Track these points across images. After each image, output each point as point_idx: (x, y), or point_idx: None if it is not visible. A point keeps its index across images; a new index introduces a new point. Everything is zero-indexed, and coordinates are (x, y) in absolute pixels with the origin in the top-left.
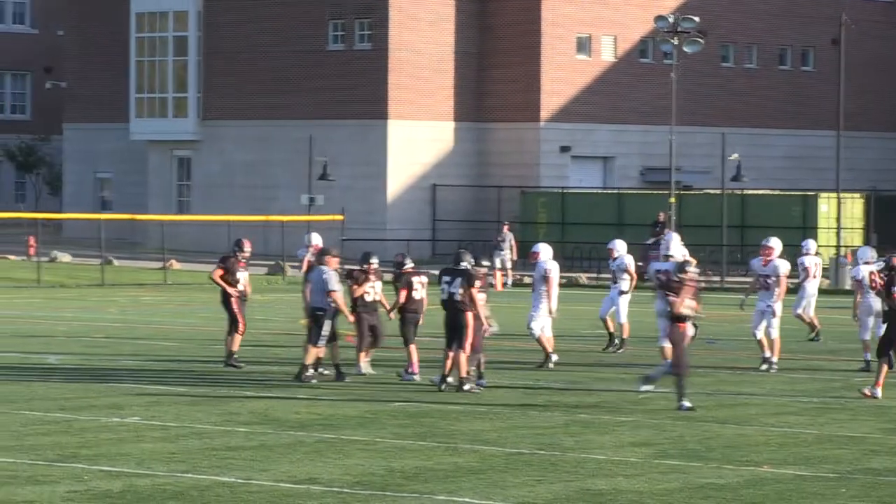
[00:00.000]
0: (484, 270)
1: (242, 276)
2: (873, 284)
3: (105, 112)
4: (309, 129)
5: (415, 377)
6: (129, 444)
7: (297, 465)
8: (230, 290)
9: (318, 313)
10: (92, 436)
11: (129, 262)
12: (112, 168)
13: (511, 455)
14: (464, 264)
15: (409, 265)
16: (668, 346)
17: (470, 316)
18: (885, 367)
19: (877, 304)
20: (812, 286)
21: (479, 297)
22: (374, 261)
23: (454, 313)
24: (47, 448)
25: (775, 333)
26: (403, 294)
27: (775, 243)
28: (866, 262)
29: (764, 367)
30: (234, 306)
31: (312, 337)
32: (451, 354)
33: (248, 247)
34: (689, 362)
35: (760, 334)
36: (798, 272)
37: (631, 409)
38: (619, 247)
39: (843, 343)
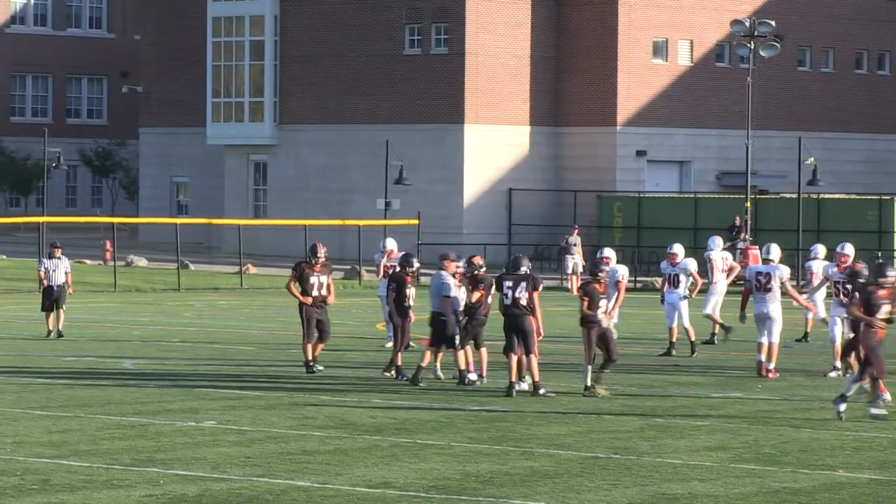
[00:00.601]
0: (604, 275)
1: (317, 280)
2: None
3: (181, 116)
4: (385, 134)
5: (470, 376)
6: (204, 449)
7: (372, 470)
8: (301, 298)
9: (441, 318)
10: (167, 440)
11: (205, 267)
12: (188, 172)
13: (586, 459)
14: (524, 269)
15: (483, 268)
16: (765, 342)
17: (534, 320)
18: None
19: None
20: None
21: (602, 304)
22: (461, 264)
23: (519, 318)
24: (123, 452)
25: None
26: (479, 295)
27: (850, 250)
28: None
29: (833, 374)
30: (304, 314)
31: (450, 340)
32: (514, 359)
33: (321, 251)
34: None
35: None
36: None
37: (706, 413)
38: (679, 250)
39: None
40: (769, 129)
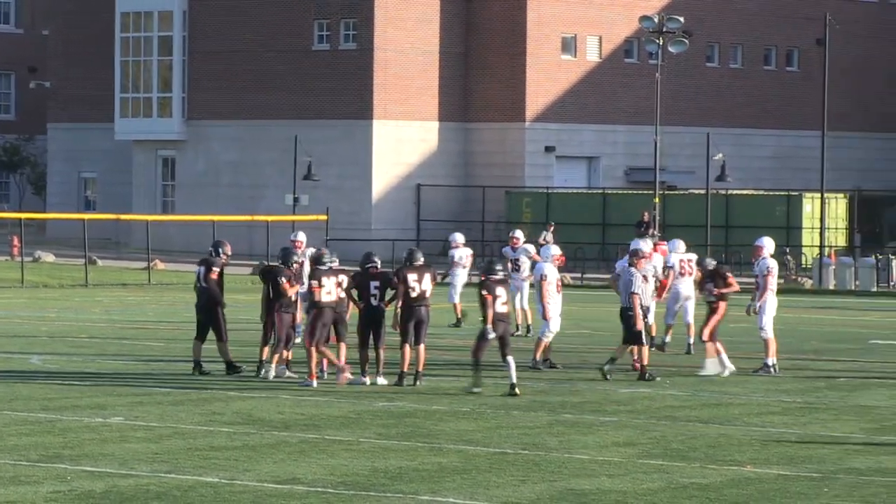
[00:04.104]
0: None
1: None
2: (683, 271)
3: (90, 112)
4: (294, 129)
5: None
6: (112, 445)
7: (280, 465)
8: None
9: (629, 314)
10: (75, 436)
11: (113, 262)
12: (96, 168)
13: (495, 455)
14: (422, 260)
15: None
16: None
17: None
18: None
19: (685, 290)
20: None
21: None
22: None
23: (421, 310)
24: (30, 448)
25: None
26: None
27: (520, 234)
28: (676, 252)
29: (760, 372)
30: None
31: (636, 337)
32: (409, 350)
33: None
34: None
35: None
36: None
37: (615, 409)
38: (521, 235)
39: (827, 342)
40: (678, 124)
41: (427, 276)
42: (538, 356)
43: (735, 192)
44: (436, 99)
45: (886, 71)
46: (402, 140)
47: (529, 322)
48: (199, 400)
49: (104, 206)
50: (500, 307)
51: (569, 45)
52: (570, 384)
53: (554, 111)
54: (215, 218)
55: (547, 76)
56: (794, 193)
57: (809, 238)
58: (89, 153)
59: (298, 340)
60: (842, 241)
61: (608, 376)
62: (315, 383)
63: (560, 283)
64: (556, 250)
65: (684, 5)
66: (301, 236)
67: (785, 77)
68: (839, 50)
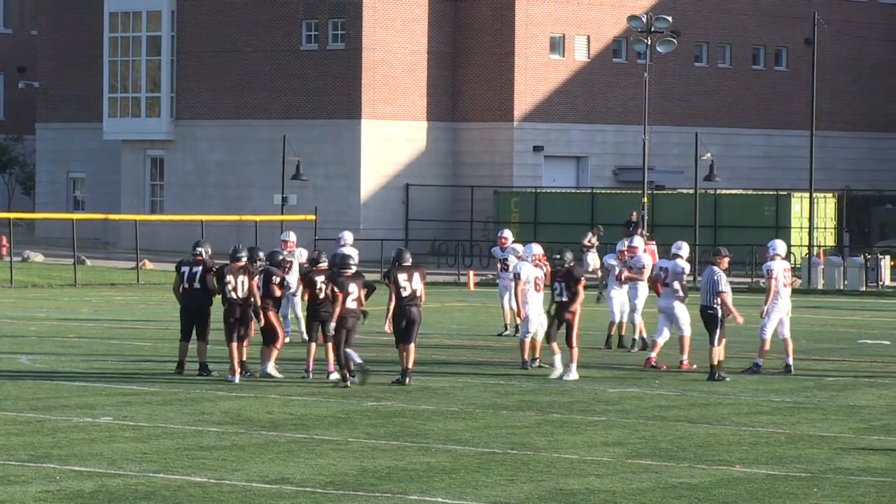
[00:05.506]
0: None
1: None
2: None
3: (78, 112)
4: (282, 129)
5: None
6: (100, 444)
7: (269, 465)
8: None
9: (709, 312)
10: (64, 436)
11: (101, 262)
12: (85, 168)
13: (483, 455)
14: (411, 260)
15: (323, 263)
16: (660, 341)
17: (421, 310)
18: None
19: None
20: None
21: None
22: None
23: (413, 309)
24: (19, 448)
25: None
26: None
27: (508, 234)
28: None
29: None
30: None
31: (711, 335)
32: (405, 348)
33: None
34: None
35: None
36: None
37: (603, 409)
38: (509, 235)
39: (815, 342)
40: (666, 124)
41: (416, 276)
42: (525, 356)
43: (723, 191)
44: (424, 99)
45: (875, 70)
46: (391, 140)
47: (518, 321)
48: (188, 399)
49: (93, 206)
50: (351, 303)
51: (557, 45)
52: (558, 384)
53: (542, 111)
54: (203, 218)
55: (535, 76)
56: (782, 193)
57: (798, 238)
58: (78, 153)
59: (288, 340)
60: (830, 240)
61: (726, 377)
62: (237, 378)
63: (541, 282)
64: (537, 249)
65: (672, 5)
66: (292, 236)
67: (773, 77)
68: (828, 49)
